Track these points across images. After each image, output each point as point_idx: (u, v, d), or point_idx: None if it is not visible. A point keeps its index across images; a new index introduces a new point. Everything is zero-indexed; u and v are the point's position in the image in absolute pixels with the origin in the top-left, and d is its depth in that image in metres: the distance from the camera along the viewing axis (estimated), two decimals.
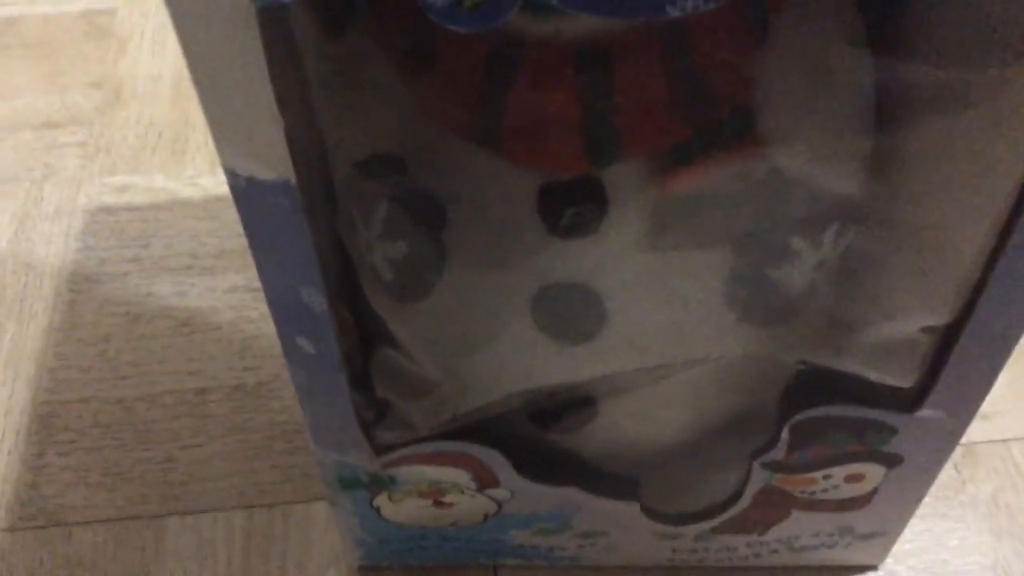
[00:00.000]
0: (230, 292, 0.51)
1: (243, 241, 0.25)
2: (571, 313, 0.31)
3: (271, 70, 0.20)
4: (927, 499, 0.44)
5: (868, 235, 0.30)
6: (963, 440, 0.46)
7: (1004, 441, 0.46)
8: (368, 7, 0.28)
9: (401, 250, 0.30)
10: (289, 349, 0.27)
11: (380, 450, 0.32)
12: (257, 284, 0.26)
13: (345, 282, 0.28)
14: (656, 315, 0.31)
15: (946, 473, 0.45)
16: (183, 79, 0.60)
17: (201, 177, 0.56)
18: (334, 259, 0.27)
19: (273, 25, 0.20)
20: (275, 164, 0.21)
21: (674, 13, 0.18)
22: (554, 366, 0.32)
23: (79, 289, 0.51)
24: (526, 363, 0.32)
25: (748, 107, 0.29)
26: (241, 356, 0.49)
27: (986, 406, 0.48)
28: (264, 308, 0.32)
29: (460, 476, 0.34)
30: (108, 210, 0.54)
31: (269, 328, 0.33)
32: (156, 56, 0.61)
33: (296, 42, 0.23)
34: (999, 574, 0.42)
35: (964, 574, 0.42)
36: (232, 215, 0.31)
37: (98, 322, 0.50)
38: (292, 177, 0.21)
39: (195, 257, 0.52)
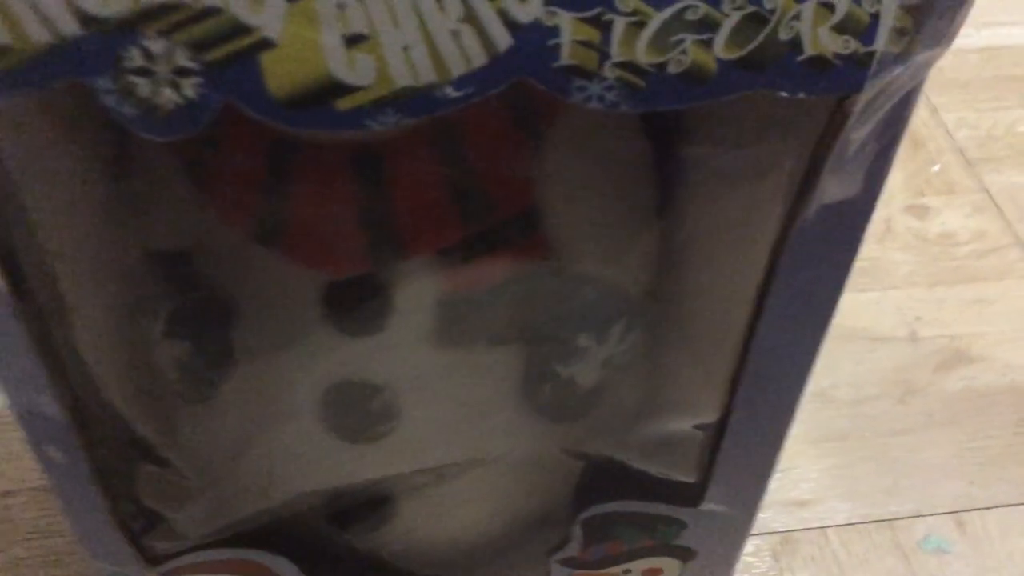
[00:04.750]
0: None
1: None
2: (360, 412, 0.31)
3: None
4: None
5: (650, 330, 0.31)
6: (780, 528, 0.47)
7: (821, 529, 0.47)
8: None
9: (187, 349, 0.30)
10: (41, 458, 0.26)
11: (154, 560, 0.30)
12: None
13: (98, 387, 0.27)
14: (447, 413, 0.31)
15: (764, 562, 0.46)
16: None
17: None
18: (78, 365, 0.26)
19: None
20: None
21: (373, 126, 0.18)
22: (343, 466, 0.31)
23: None
24: (313, 463, 0.31)
25: (530, 207, 0.29)
26: None
27: (803, 493, 0.50)
28: None
29: None
30: None
31: None
32: None
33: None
34: None
35: None
36: None
37: None
38: (3, 286, 0.21)
39: None
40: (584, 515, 0.32)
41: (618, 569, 0.34)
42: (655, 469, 0.31)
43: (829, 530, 0.47)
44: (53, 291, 0.24)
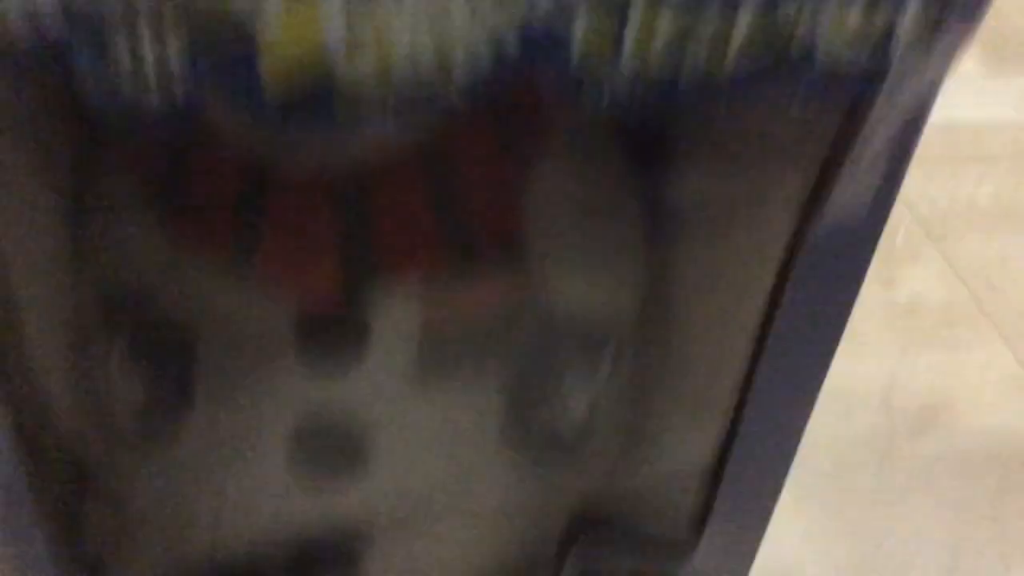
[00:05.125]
0: None
1: None
2: (329, 456, 0.29)
3: None
4: None
5: (641, 367, 0.30)
6: None
7: None
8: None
9: (141, 386, 0.28)
10: None
11: None
12: None
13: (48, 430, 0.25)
14: (423, 455, 0.29)
15: None
16: None
17: None
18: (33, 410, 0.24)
19: None
20: None
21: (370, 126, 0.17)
22: (307, 514, 0.29)
23: None
24: (275, 510, 0.30)
25: (514, 236, 0.28)
26: None
27: (786, 559, 0.48)
28: None
29: None
30: None
31: None
32: None
33: None
34: None
35: None
36: None
37: None
38: None
39: None
40: (568, 570, 0.30)
41: None
42: (644, 521, 0.29)
43: None
44: (6, 310, 0.22)
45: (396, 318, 0.27)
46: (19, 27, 0.15)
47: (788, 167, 0.22)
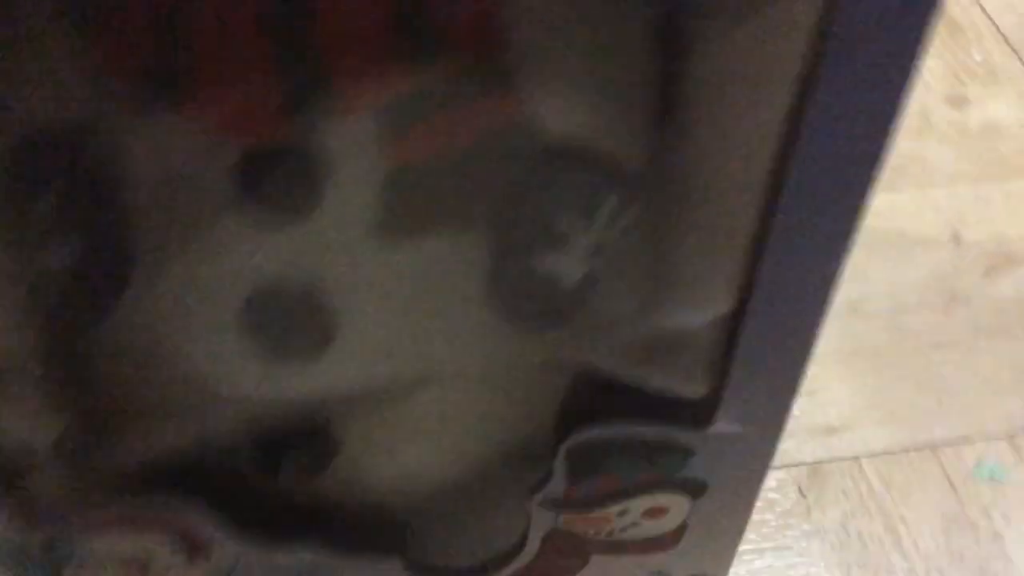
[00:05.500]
0: None
1: None
2: (288, 322, 0.25)
3: None
4: (767, 528, 0.39)
5: (649, 208, 0.25)
6: (808, 458, 0.41)
7: (855, 459, 0.41)
8: None
9: (70, 256, 0.24)
10: None
11: (32, 517, 0.25)
12: None
13: None
14: (395, 320, 0.25)
15: (789, 498, 0.40)
16: None
17: None
18: None
19: None
20: None
21: None
22: (272, 387, 0.26)
23: None
24: (233, 388, 0.26)
25: (497, 48, 0.23)
26: None
27: (833, 419, 0.43)
28: None
29: (154, 543, 0.27)
30: None
31: None
32: None
33: None
34: None
35: None
36: None
37: None
38: None
39: None
40: (568, 443, 0.26)
41: (613, 510, 0.29)
42: (655, 381, 0.25)
43: (864, 460, 0.41)
44: None
45: (354, 150, 0.23)
46: None
47: None
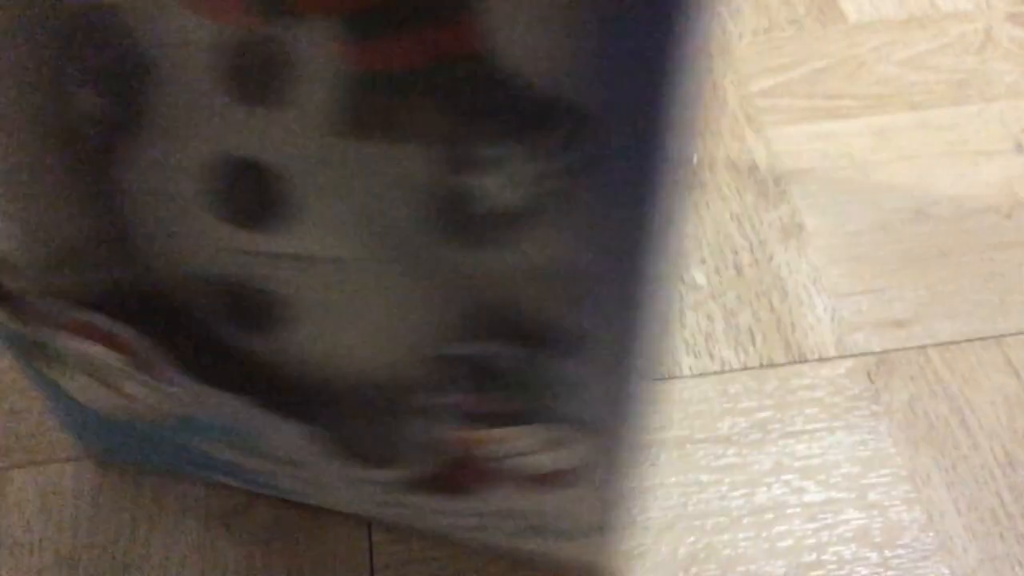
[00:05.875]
0: None
1: None
2: (250, 193, 0.27)
3: None
4: (837, 409, 0.41)
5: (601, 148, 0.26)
6: (875, 348, 0.43)
7: (921, 348, 0.43)
8: None
9: (101, 104, 0.27)
10: None
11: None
12: None
13: None
14: (343, 207, 0.27)
15: (857, 383, 0.42)
16: None
17: None
18: None
19: None
20: None
21: None
22: (231, 251, 0.29)
23: None
24: (197, 244, 0.29)
25: None
26: None
27: (899, 313, 0.45)
28: None
29: (112, 358, 0.31)
30: None
31: None
32: None
33: None
34: (917, 485, 0.39)
35: (878, 487, 0.39)
36: None
37: None
38: None
39: None
40: (452, 351, 0.28)
41: (498, 432, 0.30)
42: (540, 310, 0.26)
43: (930, 349, 0.43)
44: None
45: (319, 50, 0.25)
46: None
47: None
